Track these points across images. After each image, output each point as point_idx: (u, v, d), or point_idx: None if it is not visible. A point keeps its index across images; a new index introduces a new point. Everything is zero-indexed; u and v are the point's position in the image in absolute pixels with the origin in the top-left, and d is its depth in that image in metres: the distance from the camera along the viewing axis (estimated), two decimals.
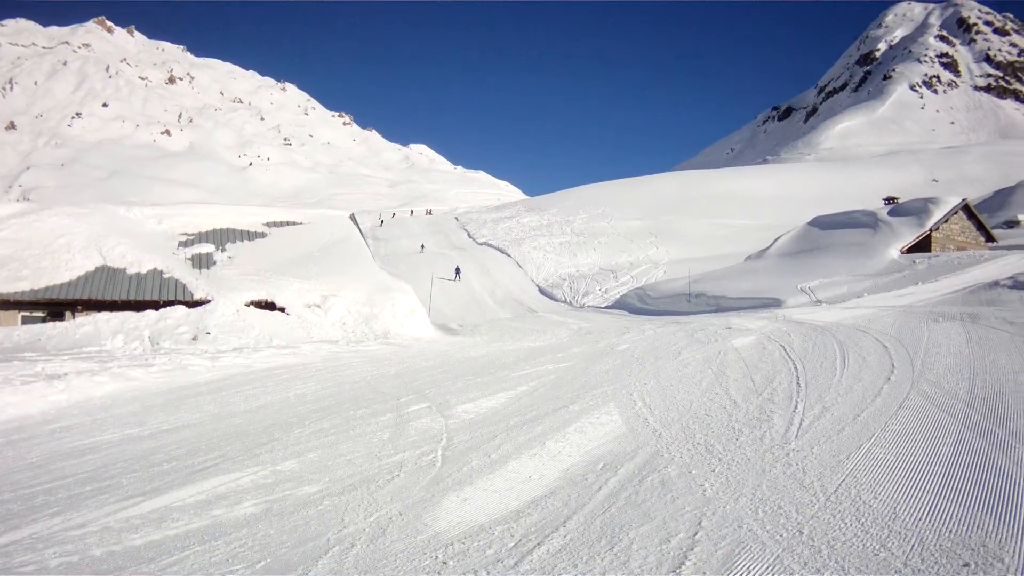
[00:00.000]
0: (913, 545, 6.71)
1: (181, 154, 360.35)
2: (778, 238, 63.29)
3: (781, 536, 7.11)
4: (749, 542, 7.02)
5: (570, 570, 6.73)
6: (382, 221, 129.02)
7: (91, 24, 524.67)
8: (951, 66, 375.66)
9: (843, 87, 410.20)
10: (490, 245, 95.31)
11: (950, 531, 6.98)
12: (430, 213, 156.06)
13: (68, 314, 33.39)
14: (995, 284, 32.07)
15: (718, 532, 7.30)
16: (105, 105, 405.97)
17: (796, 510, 7.78)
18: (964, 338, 18.36)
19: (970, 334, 18.90)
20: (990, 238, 60.08)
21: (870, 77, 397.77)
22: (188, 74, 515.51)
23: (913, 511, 7.54)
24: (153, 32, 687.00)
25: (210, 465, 11.07)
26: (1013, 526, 7.01)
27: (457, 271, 64.30)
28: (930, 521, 7.25)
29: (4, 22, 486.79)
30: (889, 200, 64.93)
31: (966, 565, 6.29)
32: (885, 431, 10.64)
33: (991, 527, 7.02)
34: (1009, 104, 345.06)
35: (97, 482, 10.58)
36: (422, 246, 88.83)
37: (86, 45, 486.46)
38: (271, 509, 8.90)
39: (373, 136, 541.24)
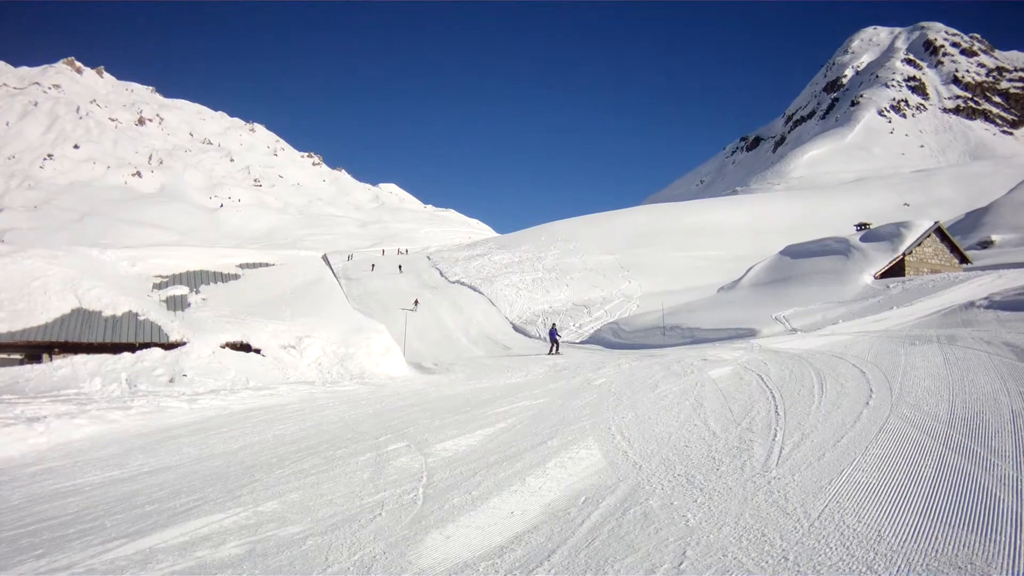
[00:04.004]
0: (900, 566, 6.72)
1: (152, 196, 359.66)
2: (751, 268, 63.53)
3: (767, 563, 7.10)
4: (735, 570, 7.01)
5: None
6: (397, 261, 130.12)
7: (61, 64, 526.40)
8: (919, 89, 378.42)
9: (811, 115, 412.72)
10: (462, 283, 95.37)
11: (936, 551, 7.01)
12: (404, 252, 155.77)
13: (45, 356, 33.22)
14: (971, 305, 32.28)
15: (703, 561, 7.29)
16: (76, 147, 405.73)
17: (780, 537, 7.78)
18: (942, 360, 18.43)
19: (947, 356, 18.97)
20: (964, 259, 60.42)
21: (838, 104, 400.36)
22: (158, 115, 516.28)
23: (898, 533, 7.57)
24: (122, 72, 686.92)
25: (192, 507, 11.03)
26: (999, 543, 7.06)
27: (554, 336, 49.46)
28: (916, 542, 7.28)
29: None
30: (861, 226, 65.31)
31: None
32: (866, 455, 10.67)
33: (977, 545, 7.06)
34: (979, 125, 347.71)
35: (80, 524, 10.56)
36: (416, 301, 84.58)
37: (56, 86, 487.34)
38: (255, 550, 8.86)
39: (343, 176, 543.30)
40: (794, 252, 61.54)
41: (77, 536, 9.94)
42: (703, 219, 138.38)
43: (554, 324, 53.68)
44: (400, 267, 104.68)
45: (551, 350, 48.31)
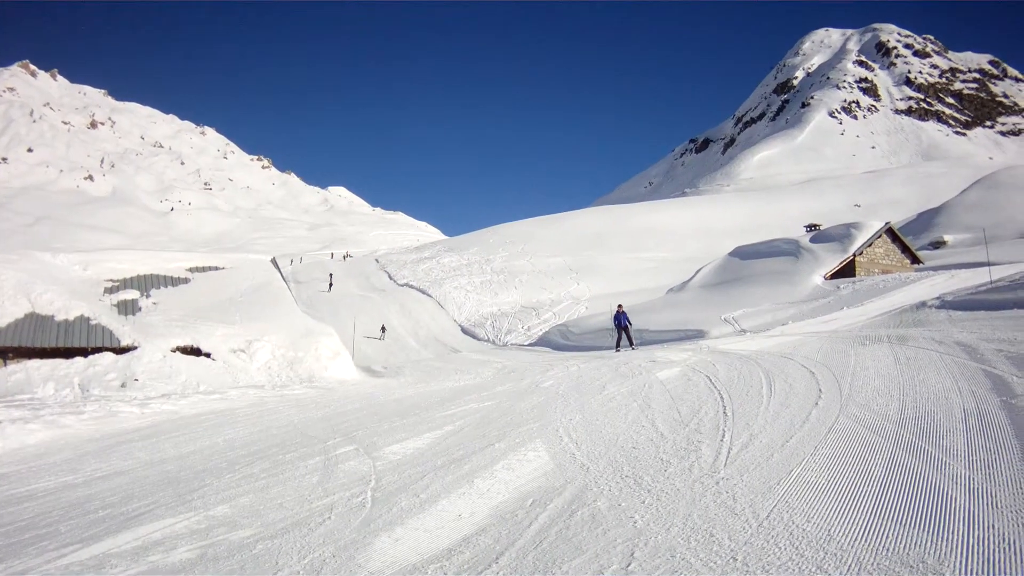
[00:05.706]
0: (850, 566, 6.69)
1: (104, 200, 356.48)
2: (700, 270, 63.90)
3: (715, 563, 7.06)
4: (683, 571, 6.97)
5: None
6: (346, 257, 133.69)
7: (15, 68, 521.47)
8: (870, 91, 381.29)
9: (761, 116, 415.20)
10: (411, 286, 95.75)
11: (887, 550, 6.97)
12: (349, 256, 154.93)
13: (0, 361, 33.07)
14: (922, 305, 32.41)
15: (651, 562, 7.25)
16: (30, 150, 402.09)
17: (729, 537, 7.74)
18: (892, 360, 18.42)
19: (898, 355, 18.98)
20: (916, 260, 60.91)
21: (788, 105, 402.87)
22: (110, 118, 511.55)
23: (848, 532, 7.54)
24: (75, 75, 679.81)
25: (144, 511, 11.06)
26: (952, 541, 7.02)
27: (623, 323, 39.90)
28: (866, 541, 7.25)
29: None
30: (811, 227, 65.93)
31: None
32: (815, 455, 10.64)
33: (929, 543, 7.02)
34: (931, 126, 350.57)
35: (35, 530, 10.62)
36: (383, 328, 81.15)
37: (11, 89, 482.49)
38: (206, 554, 8.85)
39: (292, 179, 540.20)
40: (743, 253, 61.88)
41: (32, 542, 9.98)
42: (652, 221, 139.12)
43: (620, 305, 41.87)
44: (330, 286, 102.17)
45: (618, 345, 39.07)
